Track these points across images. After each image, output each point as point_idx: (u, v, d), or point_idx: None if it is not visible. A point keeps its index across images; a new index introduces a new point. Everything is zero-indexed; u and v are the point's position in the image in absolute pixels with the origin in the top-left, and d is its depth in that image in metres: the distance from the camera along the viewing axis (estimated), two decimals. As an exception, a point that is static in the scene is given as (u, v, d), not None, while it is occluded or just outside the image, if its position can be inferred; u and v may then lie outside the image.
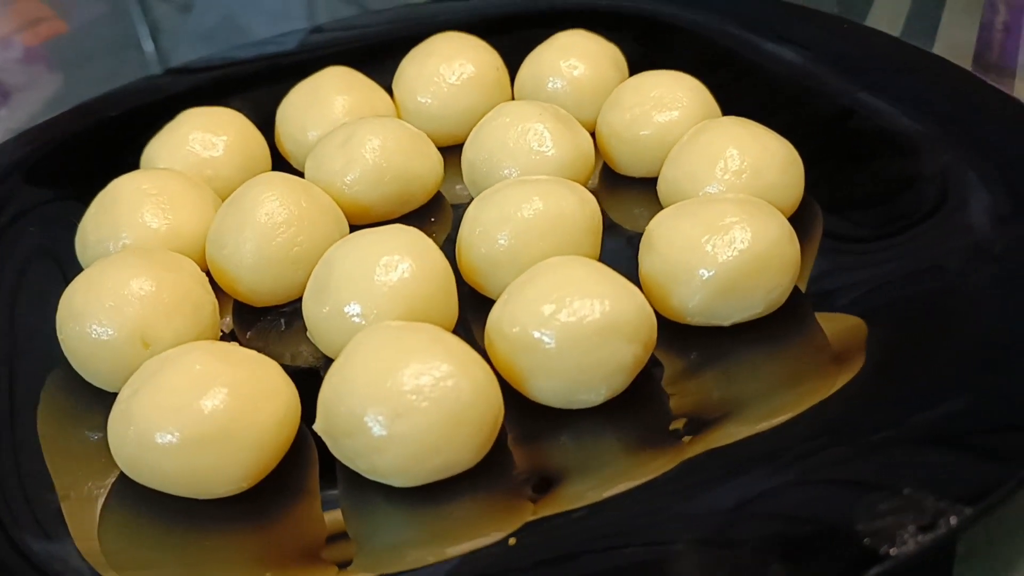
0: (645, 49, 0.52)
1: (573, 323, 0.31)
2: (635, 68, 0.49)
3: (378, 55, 0.54)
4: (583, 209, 0.36)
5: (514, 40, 0.53)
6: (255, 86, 0.53)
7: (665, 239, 0.35)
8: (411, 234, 0.35)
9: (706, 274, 0.34)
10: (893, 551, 0.23)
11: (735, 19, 0.51)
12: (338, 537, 0.30)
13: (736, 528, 0.26)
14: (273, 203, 0.38)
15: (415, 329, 0.31)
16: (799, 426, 0.30)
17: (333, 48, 0.56)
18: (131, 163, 0.46)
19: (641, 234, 0.37)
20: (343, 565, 0.29)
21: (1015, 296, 0.31)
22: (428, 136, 0.46)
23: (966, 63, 0.53)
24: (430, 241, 0.36)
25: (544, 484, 0.30)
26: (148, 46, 0.79)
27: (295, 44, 0.56)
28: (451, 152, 0.46)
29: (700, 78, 0.45)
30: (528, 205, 0.36)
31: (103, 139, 0.49)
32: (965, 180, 0.37)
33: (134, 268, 0.35)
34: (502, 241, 0.36)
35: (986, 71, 0.53)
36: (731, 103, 0.45)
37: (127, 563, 0.29)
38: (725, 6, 0.53)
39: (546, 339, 0.31)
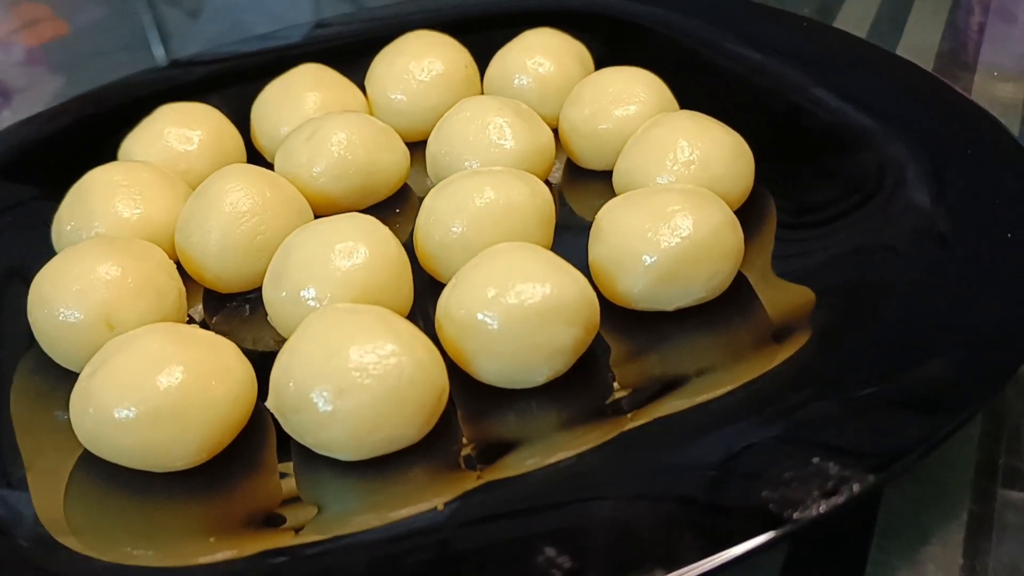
0: (612, 48, 0.54)
1: (515, 305, 0.32)
2: (602, 66, 0.50)
3: (353, 53, 0.55)
4: (534, 199, 0.38)
5: (489, 38, 0.55)
6: (234, 83, 0.54)
7: (612, 228, 0.36)
8: (366, 221, 0.37)
9: (649, 260, 0.35)
10: (796, 515, 0.25)
11: (701, 18, 0.53)
12: (291, 506, 0.31)
13: (657, 488, 0.27)
14: (237, 193, 0.39)
15: (363, 311, 0.33)
16: (730, 401, 0.31)
17: (311, 47, 0.57)
18: (109, 159, 0.48)
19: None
20: (296, 531, 0.30)
21: (941, 282, 0.32)
22: (399, 131, 0.47)
23: (928, 62, 0.54)
24: (385, 229, 0.37)
25: (488, 457, 0.31)
26: (159, 51, 0.81)
27: (271, 44, 0.58)
28: (422, 147, 0.48)
29: (664, 75, 0.46)
30: (480, 195, 0.37)
31: (83, 136, 0.50)
32: (907, 172, 0.38)
33: (100, 254, 0.36)
34: (455, 229, 0.37)
35: (955, 70, 0.54)
36: (691, 99, 0.46)
37: (86, 529, 0.31)
38: (692, 6, 0.54)
39: (489, 321, 0.33)
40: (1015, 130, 0.48)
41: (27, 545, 0.30)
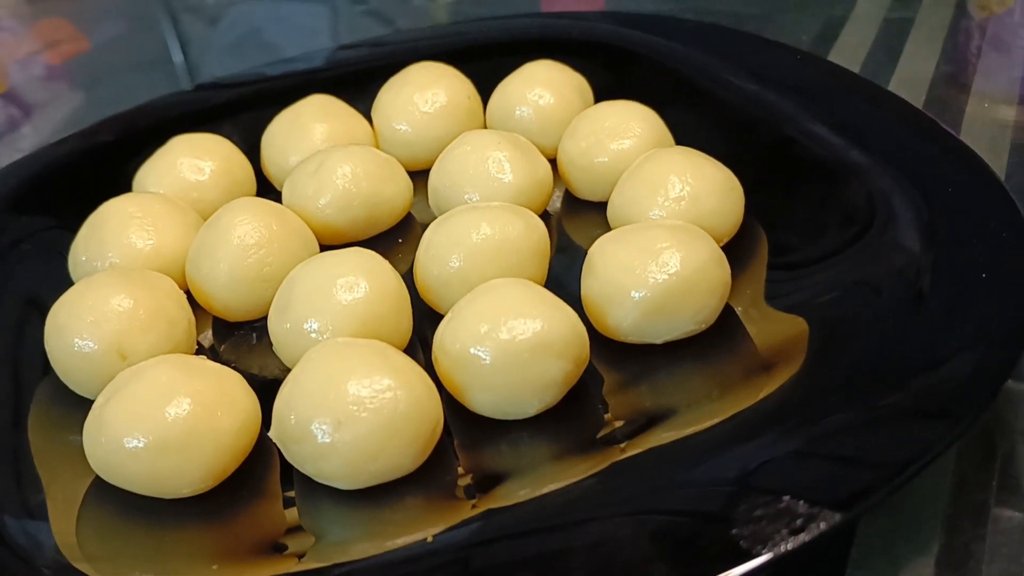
0: (612, 76, 0.55)
1: (507, 341, 0.34)
2: (602, 94, 0.52)
3: (362, 80, 0.57)
4: (529, 235, 0.39)
5: (494, 65, 0.56)
6: (246, 110, 0.56)
7: (603, 263, 0.38)
8: (368, 256, 0.38)
9: (637, 295, 0.36)
10: (764, 551, 0.26)
11: (698, 49, 0.54)
12: (293, 533, 0.33)
13: (641, 518, 0.29)
14: (245, 226, 0.41)
15: (361, 345, 0.34)
16: (714, 434, 0.32)
17: (322, 73, 0.59)
18: (124, 187, 0.49)
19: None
20: (299, 557, 0.32)
21: (917, 322, 0.33)
22: (404, 161, 0.49)
23: (923, 86, 0.55)
24: (386, 263, 0.39)
25: (483, 487, 0.33)
26: (177, 57, 0.83)
27: (281, 71, 0.59)
28: (426, 176, 0.49)
29: (660, 105, 0.48)
30: (477, 231, 0.39)
31: (98, 165, 0.52)
32: (891, 208, 0.39)
33: (114, 286, 0.38)
34: (453, 263, 0.39)
35: (950, 94, 0.55)
36: (686, 130, 0.47)
37: (100, 555, 0.32)
38: (690, 37, 0.55)
39: (482, 355, 0.34)
40: (1005, 151, 0.49)
41: (46, 572, 0.31)
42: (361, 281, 0.37)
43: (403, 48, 0.59)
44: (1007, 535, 0.30)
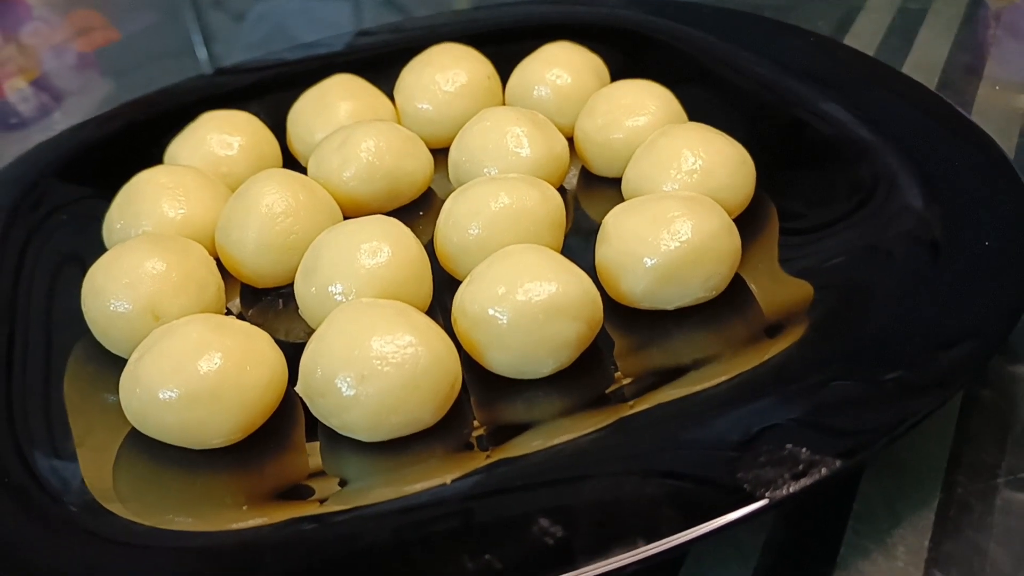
0: (627, 58, 0.56)
1: (523, 302, 0.35)
2: (618, 76, 0.53)
3: (384, 62, 0.59)
4: (545, 204, 0.41)
5: (513, 48, 0.58)
6: (272, 91, 0.58)
7: (616, 231, 0.39)
8: (390, 223, 0.40)
9: (650, 262, 0.38)
10: (768, 494, 0.27)
11: (714, 32, 0.55)
12: (317, 479, 0.34)
13: (648, 466, 0.30)
14: (273, 195, 0.42)
15: (383, 305, 0.36)
16: (721, 390, 0.34)
17: (345, 56, 0.61)
18: (156, 160, 0.51)
19: None
20: (321, 502, 0.33)
21: (924, 285, 0.35)
22: (425, 138, 0.51)
23: (936, 72, 0.56)
24: (407, 230, 0.40)
25: (496, 439, 0.34)
26: (202, 53, 0.85)
27: (307, 54, 0.61)
28: (446, 153, 0.51)
29: (676, 86, 0.49)
30: (495, 200, 0.40)
31: (132, 140, 0.54)
32: (900, 183, 0.40)
33: (147, 251, 0.40)
34: (472, 231, 0.40)
35: (963, 79, 0.56)
36: (701, 109, 0.49)
37: (131, 498, 0.34)
38: (705, 20, 0.57)
39: (499, 316, 0.35)
40: (1014, 137, 0.50)
41: (77, 511, 0.33)
42: (384, 246, 0.39)
43: (422, 33, 0.61)
44: (1006, 497, 0.32)
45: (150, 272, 0.39)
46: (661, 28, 0.57)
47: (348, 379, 0.33)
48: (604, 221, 0.40)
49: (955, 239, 0.36)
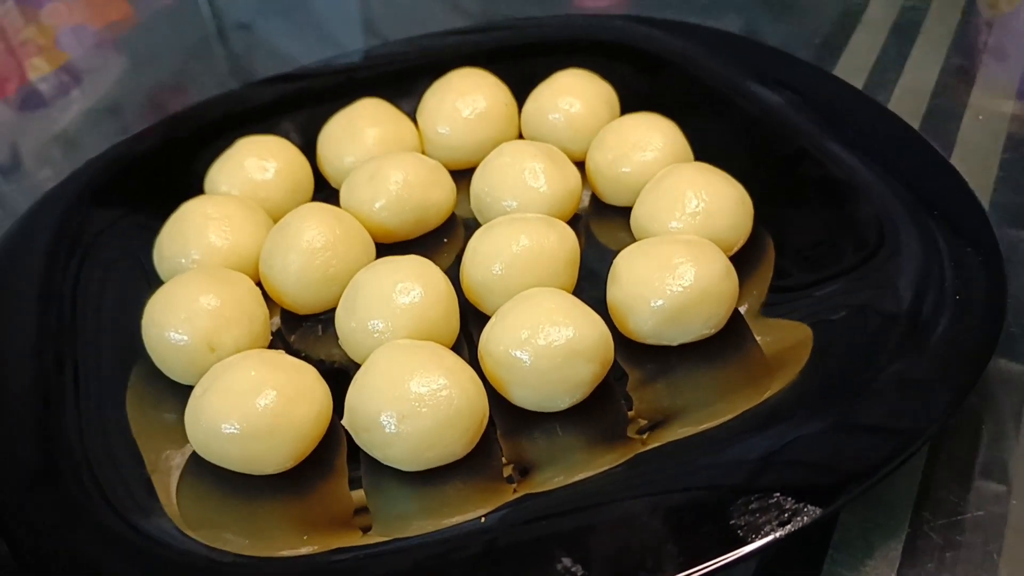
0: (640, 78, 0.60)
1: (543, 346, 0.40)
2: (630, 95, 0.57)
3: (407, 79, 0.62)
4: (562, 245, 0.45)
5: (530, 64, 0.62)
6: (301, 106, 0.61)
7: (626, 273, 0.43)
8: (421, 265, 0.44)
9: (656, 304, 0.42)
10: (754, 539, 0.32)
11: (722, 58, 0.59)
12: (360, 508, 0.39)
13: (653, 505, 0.35)
14: (312, 231, 0.46)
15: (420, 347, 0.40)
16: (717, 434, 0.38)
17: (370, 69, 0.64)
18: (190, 175, 0.55)
19: (621, 250, 0.47)
20: (364, 530, 0.38)
21: (897, 334, 0.39)
22: (446, 161, 0.55)
23: (925, 98, 0.60)
24: (437, 270, 0.44)
25: (521, 471, 0.39)
26: (206, 11, 0.88)
27: (327, 68, 0.64)
28: (466, 175, 0.55)
29: (681, 110, 0.53)
30: (517, 242, 0.44)
31: (168, 158, 0.57)
32: (896, 227, 0.44)
33: (202, 286, 0.44)
34: (495, 270, 0.44)
35: (953, 97, 0.60)
36: (703, 140, 0.53)
37: (201, 523, 0.39)
38: (713, 43, 0.60)
39: (522, 358, 0.40)
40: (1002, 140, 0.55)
41: (156, 535, 0.38)
42: (416, 287, 0.43)
43: (447, 49, 0.64)
44: (966, 529, 0.36)
45: (205, 308, 0.43)
46: (672, 48, 0.60)
47: (390, 418, 0.38)
48: (615, 262, 0.44)
49: (929, 289, 0.40)
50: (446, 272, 0.45)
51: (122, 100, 0.78)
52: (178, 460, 0.42)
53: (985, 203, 0.51)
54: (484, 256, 0.45)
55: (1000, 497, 0.37)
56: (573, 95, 0.55)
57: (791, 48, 0.67)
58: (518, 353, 0.40)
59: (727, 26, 0.77)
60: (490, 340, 0.41)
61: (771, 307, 0.45)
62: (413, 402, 0.38)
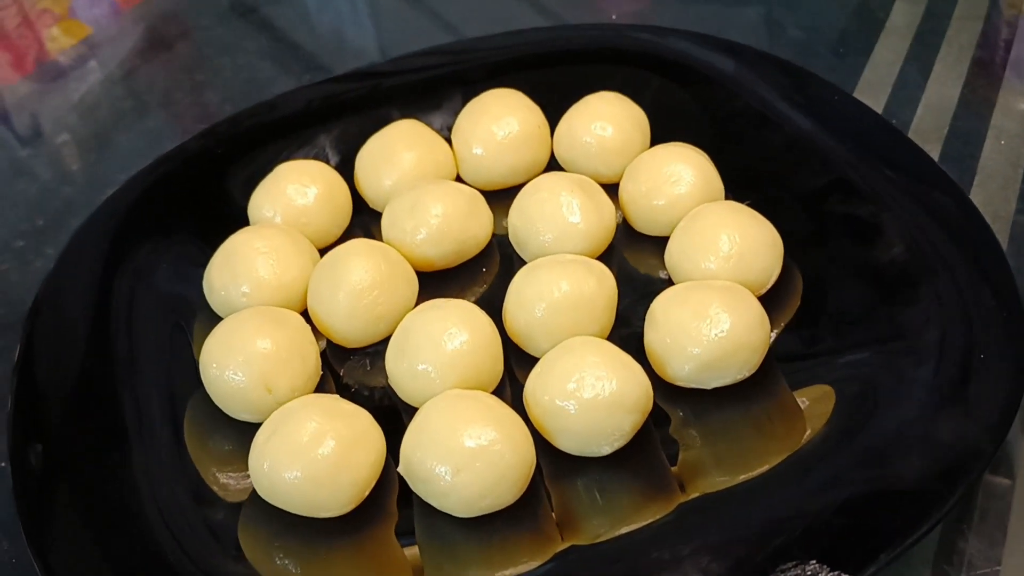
0: (672, 89, 0.61)
1: (588, 399, 0.42)
2: (660, 107, 0.59)
3: (433, 89, 0.63)
4: (600, 289, 0.47)
5: (560, 72, 0.64)
6: (336, 118, 0.62)
7: (664, 319, 0.45)
8: (468, 310, 0.46)
9: (694, 351, 0.44)
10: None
11: (752, 74, 0.60)
12: (413, 550, 0.42)
13: (697, 567, 0.37)
14: (360, 272, 0.48)
15: (472, 399, 0.42)
16: (759, 484, 0.41)
17: (401, 78, 0.65)
18: (231, 190, 0.57)
19: (653, 278, 0.50)
20: (416, 572, 0.41)
21: (919, 394, 0.41)
22: (480, 182, 0.57)
23: (948, 117, 0.61)
24: (483, 315, 0.46)
25: (566, 519, 0.42)
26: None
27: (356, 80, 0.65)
28: (500, 195, 0.57)
29: (710, 131, 0.56)
30: (558, 287, 0.46)
31: (204, 176, 0.59)
32: (921, 276, 0.46)
33: (257, 329, 0.46)
34: (537, 312, 0.47)
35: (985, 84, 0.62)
36: (731, 167, 0.54)
37: (262, 563, 0.41)
38: (751, 66, 0.61)
39: (569, 408, 0.42)
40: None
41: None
42: (463, 332, 0.45)
43: (478, 56, 0.65)
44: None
45: (261, 351, 0.45)
46: (704, 62, 0.61)
47: (446, 471, 0.40)
48: (652, 307, 0.47)
49: (955, 346, 0.43)
50: (485, 299, 0.48)
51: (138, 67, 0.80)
52: (238, 495, 0.44)
53: (1004, 232, 0.53)
54: (527, 299, 0.47)
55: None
56: (605, 119, 0.57)
57: (812, 44, 0.70)
58: (564, 404, 0.42)
59: (748, 16, 0.78)
60: (537, 389, 0.43)
61: (798, 350, 0.47)
62: (468, 456, 0.40)
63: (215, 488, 0.45)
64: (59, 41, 0.90)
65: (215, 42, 0.82)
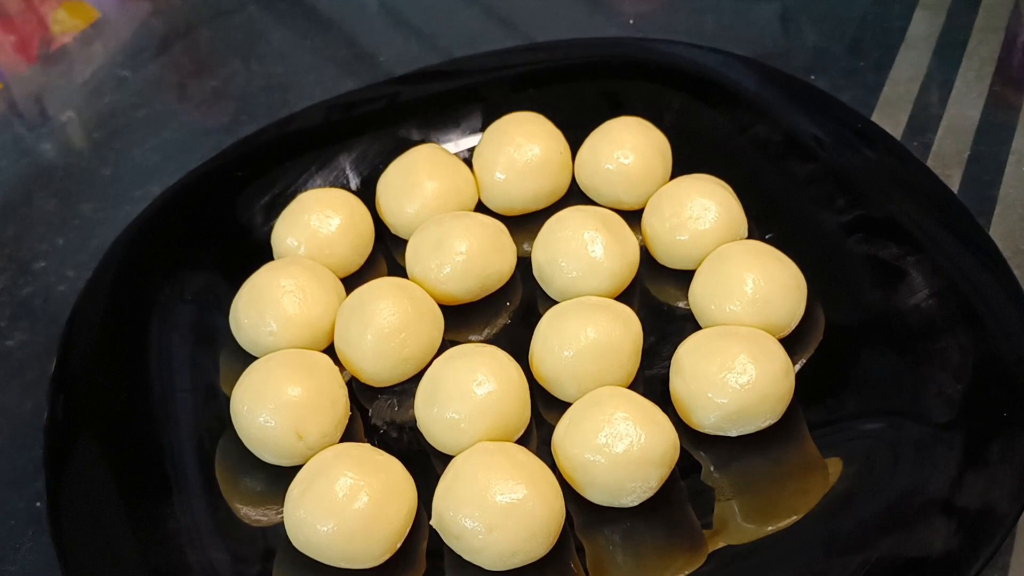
0: (696, 108, 0.61)
1: (618, 452, 0.43)
2: (682, 130, 0.59)
3: (452, 104, 0.63)
4: (627, 335, 0.47)
5: (577, 87, 0.63)
6: (355, 134, 0.62)
7: (690, 368, 0.46)
8: (495, 357, 0.47)
9: (720, 401, 0.45)
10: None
11: (777, 97, 0.60)
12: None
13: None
14: (386, 314, 0.49)
15: (502, 454, 0.43)
16: (785, 539, 0.42)
17: (419, 90, 0.65)
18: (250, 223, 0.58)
19: (676, 311, 0.51)
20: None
21: (938, 457, 0.42)
22: (501, 207, 0.57)
23: (969, 140, 0.61)
24: (512, 363, 0.47)
25: (594, 571, 0.43)
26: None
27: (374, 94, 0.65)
28: (521, 222, 0.57)
29: (732, 156, 0.57)
30: (585, 334, 0.47)
31: (219, 206, 0.59)
32: (945, 320, 0.47)
33: (287, 376, 0.47)
34: (564, 360, 0.47)
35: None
36: (752, 194, 0.55)
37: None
38: (774, 81, 0.60)
39: (598, 460, 0.43)
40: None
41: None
42: (491, 379, 0.46)
43: (499, 73, 0.65)
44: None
45: (292, 399, 0.46)
46: (726, 76, 0.61)
47: (479, 528, 0.41)
48: (677, 353, 0.47)
49: (979, 402, 0.43)
50: (510, 337, 0.50)
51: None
52: (270, 542, 0.45)
53: (1024, 267, 0.54)
54: (554, 344, 0.47)
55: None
56: (627, 147, 0.57)
57: (828, 42, 0.69)
58: (593, 458, 0.43)
59: (763, 12, 0.77)
60: (566, 441, 0.44)
61: (820, 395, 0.48)
62: (500, 514, 0.41)
63: (248, 537, 0.46)
64: (64, 24, 0.89)
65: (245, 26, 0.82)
